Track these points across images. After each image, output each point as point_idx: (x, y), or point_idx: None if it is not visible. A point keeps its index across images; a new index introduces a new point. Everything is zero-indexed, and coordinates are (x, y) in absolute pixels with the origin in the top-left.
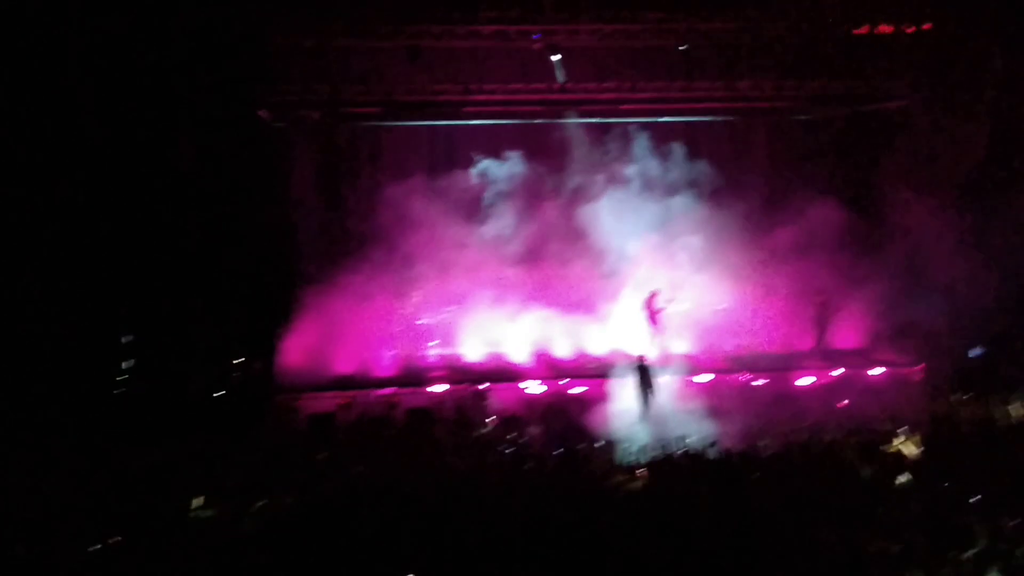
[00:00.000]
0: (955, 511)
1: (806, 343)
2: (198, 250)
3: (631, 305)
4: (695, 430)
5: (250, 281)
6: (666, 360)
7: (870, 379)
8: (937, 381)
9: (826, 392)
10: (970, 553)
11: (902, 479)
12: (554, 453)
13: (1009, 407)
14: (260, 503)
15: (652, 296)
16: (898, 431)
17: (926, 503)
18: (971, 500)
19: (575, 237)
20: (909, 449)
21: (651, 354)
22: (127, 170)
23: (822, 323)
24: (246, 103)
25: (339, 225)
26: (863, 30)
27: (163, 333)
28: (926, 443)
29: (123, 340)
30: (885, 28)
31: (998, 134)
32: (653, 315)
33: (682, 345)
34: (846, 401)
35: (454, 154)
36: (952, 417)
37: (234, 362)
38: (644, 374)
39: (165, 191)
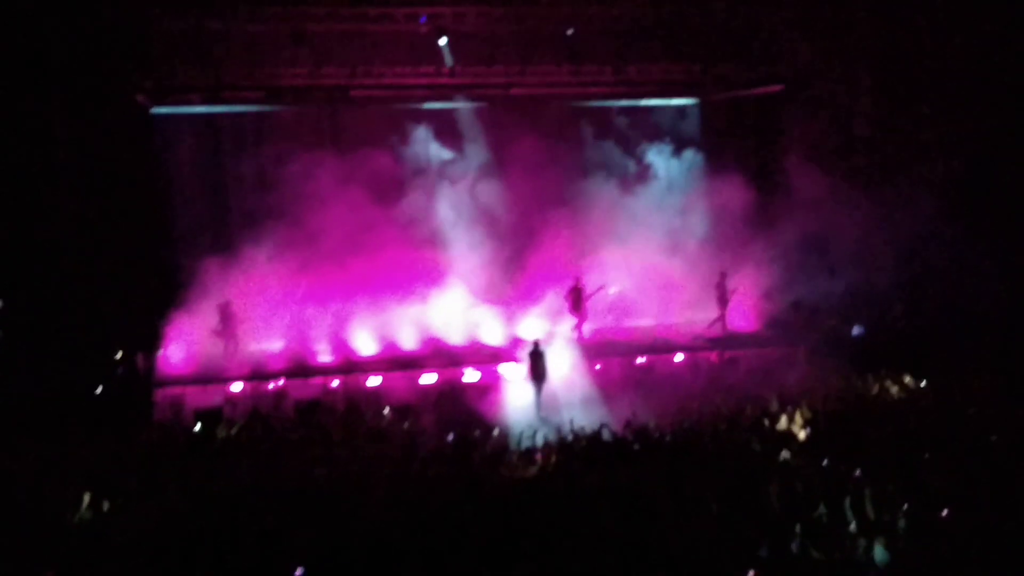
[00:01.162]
0: (839, 485)
1: (701, 323)
2: (75, 241)
3: (525, 290)
4: (588, 414)
5: (130, 272)
6: (562, 344)
7: (760, 358)
8: (822, 359)
9: (717, 371)
10: (854, 526)
11: (787, 455)
12: (448, 441)
13: (889, 384)
14: (147, 503)
15: (577, 282)
16: (785, 408)
17: (811, 478)
18: (855, 474)
19: (468, 222)
20: (796, 426)
21: (551, 338)
22: None
23: (720, 303)
24: (124, 87)
25: (222, 214)
26: (745, 13)
27: (39, 329)
28: (812, 420)
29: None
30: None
31: (883, 113)
32: (579, 301)
33: (576, 328)
34: (736, 380)
35: (341, 139)
36: (836, 395)
37: (116, 357)
38: (537, 360)
39: (38, 179)
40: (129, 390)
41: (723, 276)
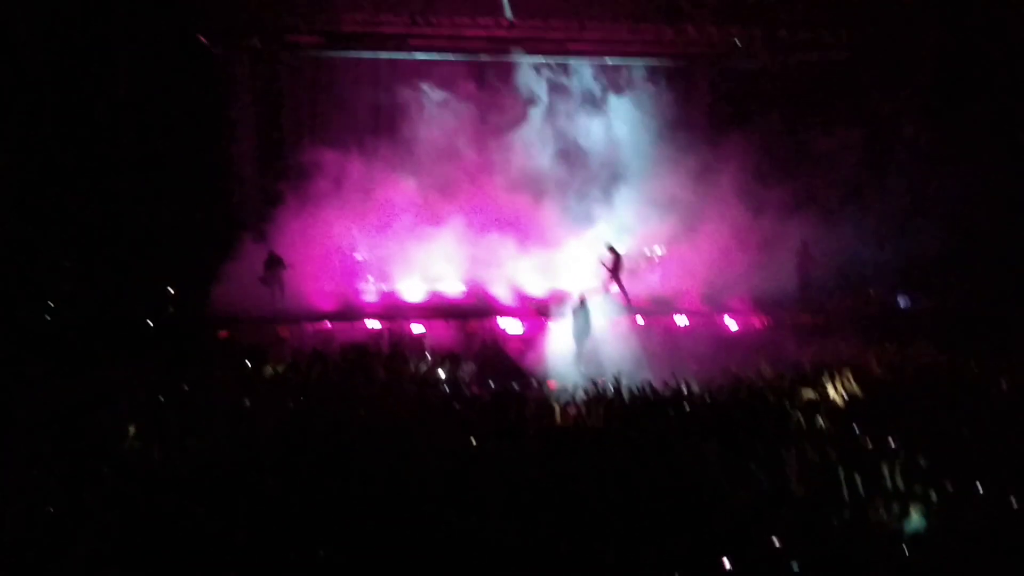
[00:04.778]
0: (875, 454)
1: (736, 288)
2: (135, 177)
3: (572, 244)
4: (629, 370)
5: (187, 210)
6: (607, 300)
7: (796, 325)
8: (862, 328)
9: (753, 337)
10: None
11: (821, 422)
12: (489, 390)
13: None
14: (192, 437)
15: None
16: (821, 375)
17: (846, 446)
18: (891, 443)
19: (518, 176)
20: (831, 393)
21: (592, 294)
22: (63, 92)
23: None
24: (187, 27)
25: (278, 156)
26: None
27: (99, 261)
28: (849, 387)
29: (63, 265)
30: None
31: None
32: (613, 268)
33: (621, 286)
34: (778, 345)
35: (398, 87)
36: (877, 364)
37: (170, 292)
38: (581, 315)
39: (103, 115)
40: (180, 325)
41: (805, 246)
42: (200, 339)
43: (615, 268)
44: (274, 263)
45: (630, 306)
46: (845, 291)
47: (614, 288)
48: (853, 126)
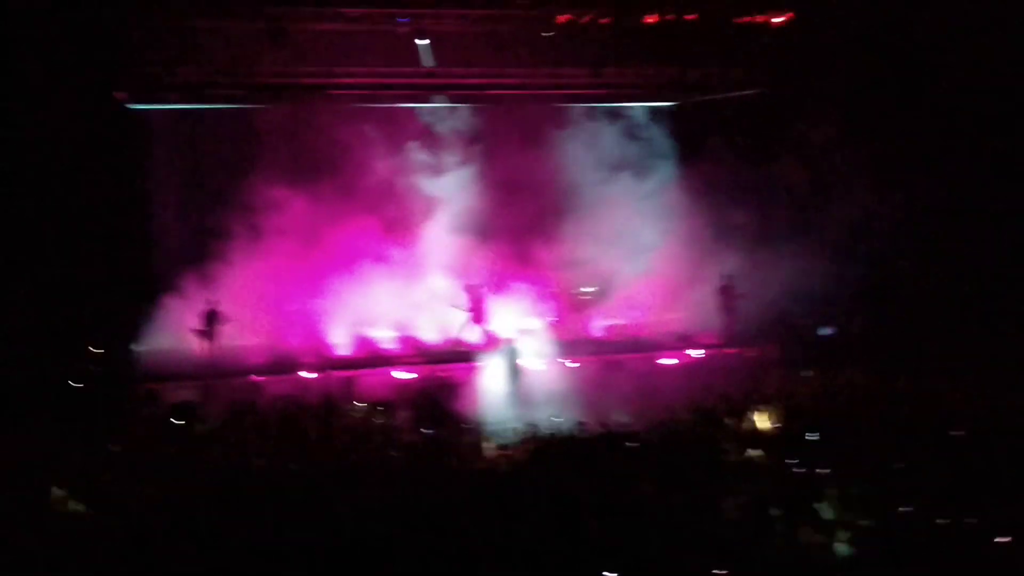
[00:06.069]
0: (804, 484)
1: (668, 324)
2: (52, 235)
3: (498, 289)
4: (561, 411)
5: (108, 267)
6: (538, 341)
7: (726, 359)
8: (788, 359)
9: (685, 371)
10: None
11: (753, 453)
12: (422, 437)
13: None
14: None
15: (473, 287)
16: (751, 407)
17: (777, 476)
18: (819, 472)
19: (449, 219)
20: (762, 424)
21: (528, 336)
22: None
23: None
24: (102, 84)
25: (201, 209)
26: (723, 18)
27: (16, 322)
28: (777, 418)
29: None
30: (747, 17)
31: (848, 125)
32: (476, 304)
33: (548, 327)
34: (703, 380)
35: (319, 138)
36: (801, 392)
37: (92, 351)
38: (512, 358)
39: (14, 175)
40: (106, 385)
41: (728, 279)
42: (127, 397)
43: (476, 308)
44: (213, 316)
45: (486, 348)
46: (772, 323)
47: (473, 329)
48: (776, 159)
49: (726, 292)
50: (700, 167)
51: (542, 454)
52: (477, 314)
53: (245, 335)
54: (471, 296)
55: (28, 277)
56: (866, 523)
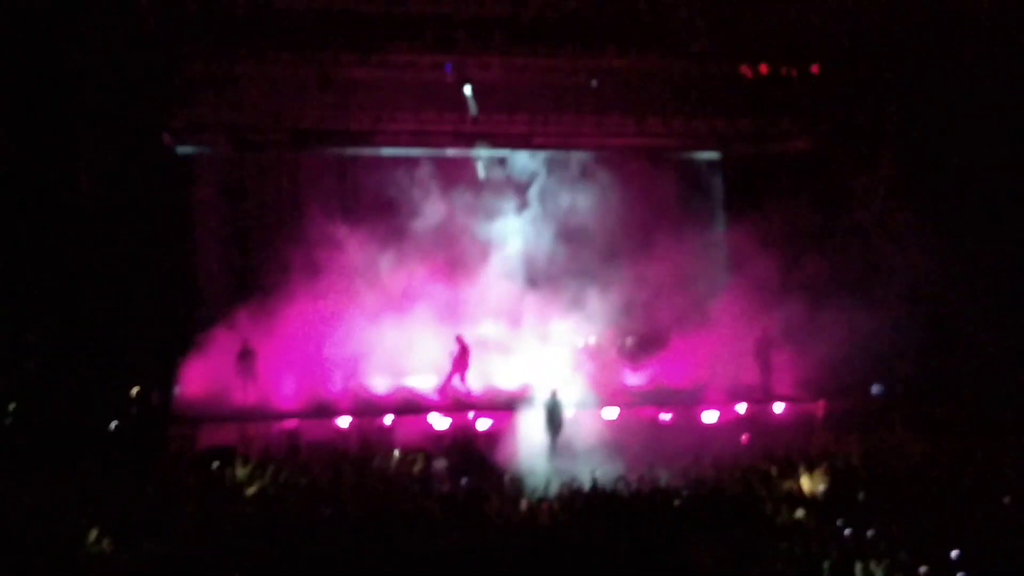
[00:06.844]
0: (851, 546)
1: (711, 378)
2: (98, 275)
3: (541, 338)
4: (602, 465)
5: (150, 309)
6: (579, 393)
7: (773, 415)
8: (838, 418)
9: (730, 427)
10: None
11: (801, 514)
12: (460, 487)
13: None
14: (156, 539)
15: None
16: (799, 466)
17: (825, 537)
18: (868, 534)
19: (486, 270)
20: (810, 484)
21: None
22: (26, 188)
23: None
24: (151, 126)
25: (243, 254)
26: (770, 71)
27: (61, 362)
28: (826, 479)
29: (24, 367)
30: (792, 70)
31: (899, 175)
32: (459, 359)
33: (591, 379)
34: (749, 436)
35: (364, 184)
36: (854, 454)
37: (132, 392)
38: (553, 408)
39: (64, 212)
40: (143, 426)
41: (764, 332)
42: (164, 440)
43: (461, 359)
44: (247, 354)
45: (459, 400)
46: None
47: (456, 380)
48: (829, 212)
49: (763, 345)
50: (750, 220)
51: (583, 509)
52: (462, 364)
53: (283, 378)
54: (459, 346)
55: (72, 315)
56: None
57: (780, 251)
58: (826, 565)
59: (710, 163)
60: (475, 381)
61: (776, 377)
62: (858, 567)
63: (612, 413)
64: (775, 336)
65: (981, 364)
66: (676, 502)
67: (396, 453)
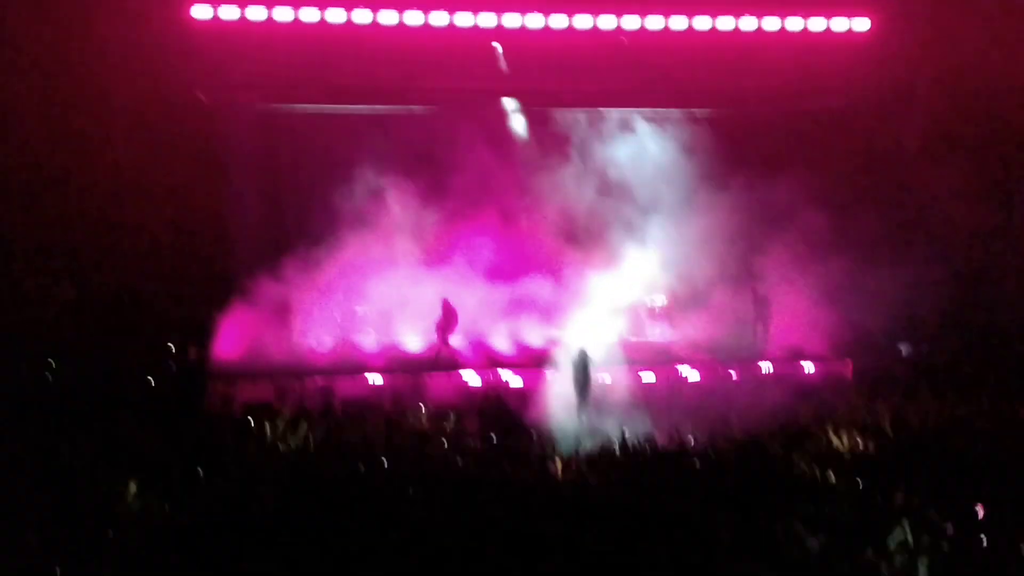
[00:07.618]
0: (883, 505)
1: (743, 337)
2: (134, 234)
3: (577, 296)
4: (630, 423)
5: (185, 265)
6: (608, 352)
7: (802, 375)
8: (867, 378)
9: (759, 387)
10: (897, 545)
11: (831, 474)
12: (490, 444)
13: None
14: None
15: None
16: (828, 427)
17: (855, 497)
18: (898, 494)
19: (520, 228)
20: (838, 445)
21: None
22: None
23: (762, 317)
24: (184, 83)
25: (276, 211)
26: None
27: (100, 318)
28: (854, 439)
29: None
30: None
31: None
32: (443, 323)
33: (618, 337)
34: (777, 396)
35: (399, 139)
36: (880, 414)
37: (170, 347)
38: (582, 366)
39: (99, 173)
40: (182, 382)
41: (754, 292)
42: (202, 394)
43: (446, 323)
44: (285, 311)
45: (438, 363)
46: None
47: (443, 343)
48: (860, 171)
49: (761, 303)
50: (777, 179)
51: (610, 468)
52: (447, 326)
53: (318, 335)
54: (444, 308)
55: (110, 272)
56: (944, 547)
57: (819, 210)
58: (853, 525)
59: (750, 120)
60: (507, 339)
61: (805, 335)
62: (887, 528)
63: (644, 373)
64: (766, 295)
65: (1013, 323)
66: (697, 463)
67: (427, 410)
